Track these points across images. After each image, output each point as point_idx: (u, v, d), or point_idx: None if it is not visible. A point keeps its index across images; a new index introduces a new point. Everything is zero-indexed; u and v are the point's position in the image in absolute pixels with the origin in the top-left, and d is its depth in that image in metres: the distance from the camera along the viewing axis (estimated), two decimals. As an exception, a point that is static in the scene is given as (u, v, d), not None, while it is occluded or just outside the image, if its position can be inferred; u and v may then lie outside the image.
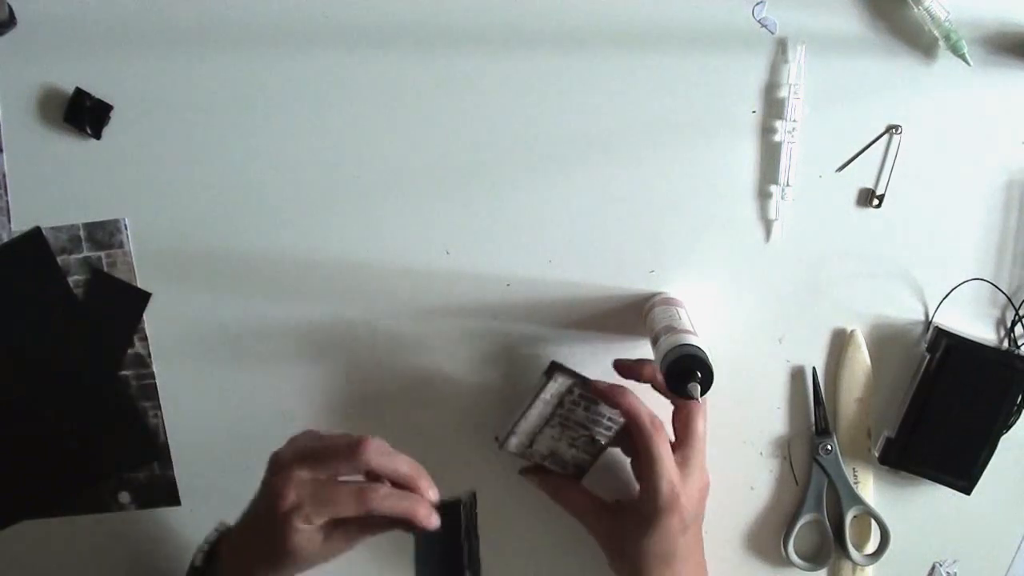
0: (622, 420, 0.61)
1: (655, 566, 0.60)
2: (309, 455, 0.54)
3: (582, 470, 0.65)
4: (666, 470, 0.58)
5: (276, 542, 0.53)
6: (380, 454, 0.53)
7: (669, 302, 0.64)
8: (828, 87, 0.64)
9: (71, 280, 0.66)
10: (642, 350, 0.67)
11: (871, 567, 0.70)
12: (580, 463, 0.64)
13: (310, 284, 0.67)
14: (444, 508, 0.55)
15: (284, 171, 0.65)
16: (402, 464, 0.55)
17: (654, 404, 0.61)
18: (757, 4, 0.63)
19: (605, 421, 0.63)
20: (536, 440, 0.63)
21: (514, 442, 0.63)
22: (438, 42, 0.63)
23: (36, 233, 0.66)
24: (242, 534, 0.58)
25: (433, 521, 0.54)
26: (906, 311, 0.67)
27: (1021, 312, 0.67)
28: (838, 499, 0.69)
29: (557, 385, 0.62)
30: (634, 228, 0.66)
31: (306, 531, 0.53)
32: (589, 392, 0.62)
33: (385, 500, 0.53)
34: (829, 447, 0.68)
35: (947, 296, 0.67)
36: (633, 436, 0.60)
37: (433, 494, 0.55)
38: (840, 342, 0.68)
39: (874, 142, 0.65)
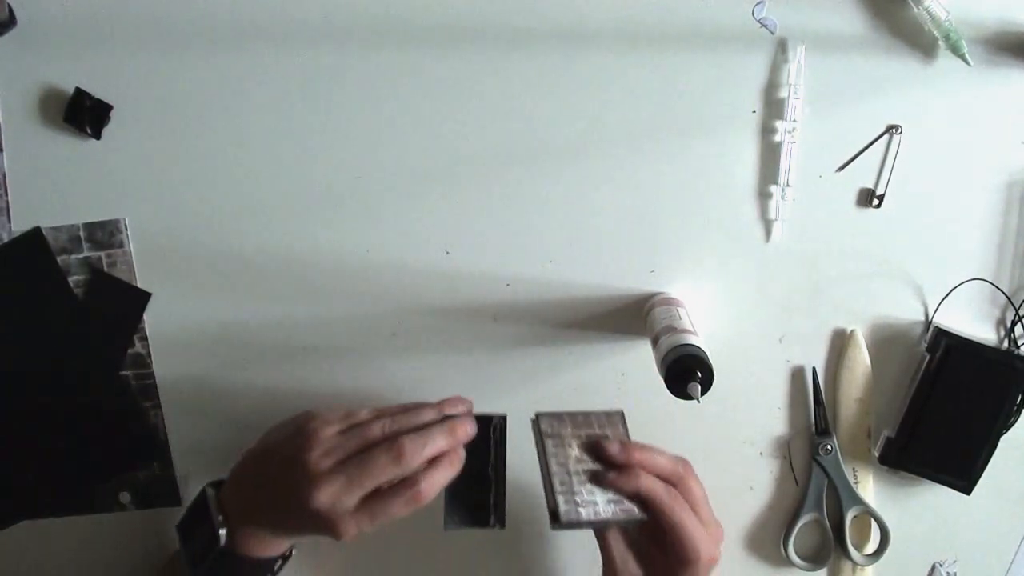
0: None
1: None
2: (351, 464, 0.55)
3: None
4: (695, 539, 0.56)
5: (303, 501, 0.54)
6: (416, 451, 0.54)
7: (669, 302, 0.64)
8: (828, 87, 0.64)
9: (71, 280, 0.66)
10: (642, 350, 0.67)
11: (871, 567, 0.70)
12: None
13: (310, 284, 0.67)
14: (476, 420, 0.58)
15: (284, 171, 0.65)
16: (439, 443, 0.55)
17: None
18: (757, 4, 0.63)
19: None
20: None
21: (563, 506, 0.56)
22: (438, 42, 0.63)
23: (36, 233, 0.66)
24: (260, 490, 0.58)
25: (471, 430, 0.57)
26: (906, 311, 0.67)
27: (1021, 312, 0.67)
28: (838, 499, 0.69)
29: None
30: (634, 228, 0.66)
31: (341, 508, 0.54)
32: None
33: (433, 485, 0.55)
34: (829, 447, 0.68)
35: (947, 296, 0.67)
36: (654, 512, 0.56)
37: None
38: (840, 342, 0.68)
39: (874, 142, 0.65)
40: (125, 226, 0.66)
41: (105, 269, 0.66)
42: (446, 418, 0.58)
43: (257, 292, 0.67)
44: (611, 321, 0.67)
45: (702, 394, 0.55)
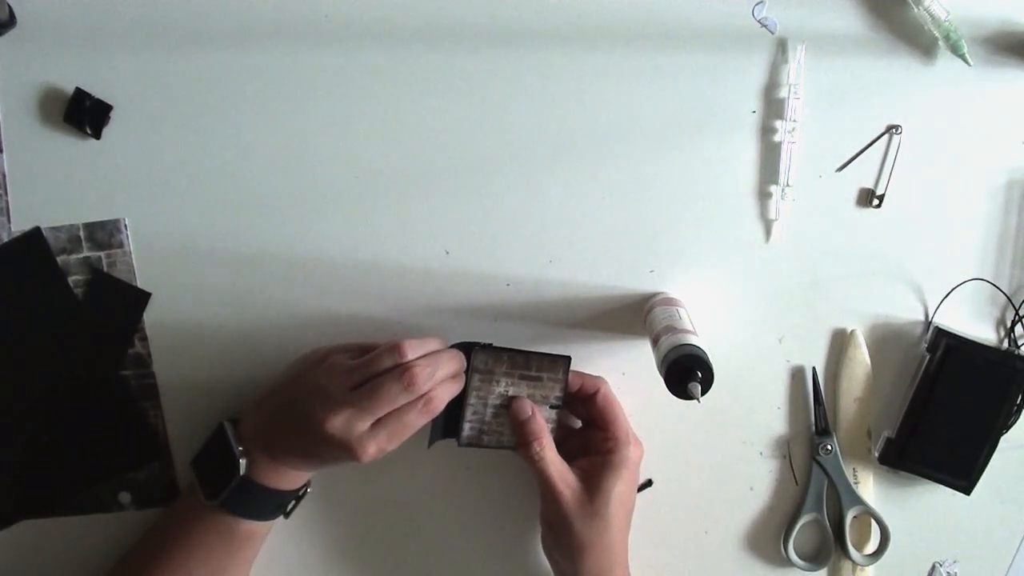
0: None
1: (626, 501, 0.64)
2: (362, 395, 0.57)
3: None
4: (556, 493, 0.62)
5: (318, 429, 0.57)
6: (426, 377, 0.57)
7: (669, 302, 0.64)
8: (828, 87, 0.64)
9: (71, 280, 0.66)
10: (642, 350, 0.67)
11: (871, 567, 0.70)
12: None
13: (310, 284, 0.67)
14: (460, 347, 0.61)
15: (284, 171, 0.65)
16: (447, 368, 0.59)
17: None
18: (757, 4, 0.63)
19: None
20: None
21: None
22: (438, 41, 0.63)
23: (36, 233, 0.66)
24: (283, 420, 0.61)
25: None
26: (906, 311, 0.67)
27: (1021, 312, 0.67)
28: (838, 499, 0.69)
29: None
30: (634, 228, 0.66)
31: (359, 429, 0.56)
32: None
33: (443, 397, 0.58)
34: (829, 447, 0.68)
35: (947, 296, 0.67)
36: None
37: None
38: (840, 342, 0.68)
39: (874, 142, 0.65)
40: (125, 226, 0.66)
41: (105, 269, 0.66)
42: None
43: (257, 292, 0.67)
44: (611, 321, 0.67)
45: (702, 394, 0.55)
